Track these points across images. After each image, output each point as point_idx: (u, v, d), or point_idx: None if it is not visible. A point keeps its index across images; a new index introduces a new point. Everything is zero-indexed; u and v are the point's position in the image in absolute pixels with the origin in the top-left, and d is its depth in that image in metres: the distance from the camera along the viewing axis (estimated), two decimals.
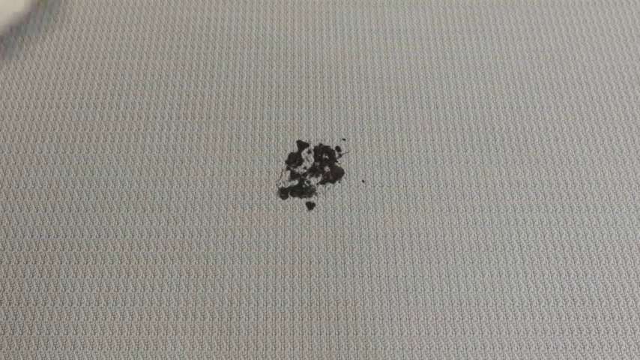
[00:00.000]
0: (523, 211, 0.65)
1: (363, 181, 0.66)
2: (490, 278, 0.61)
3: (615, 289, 0.61)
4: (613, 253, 0.63)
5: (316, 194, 0.65)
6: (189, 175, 0.66)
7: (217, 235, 0.63)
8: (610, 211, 0.65)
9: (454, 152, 0.68)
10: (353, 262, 0.62)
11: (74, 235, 0.63)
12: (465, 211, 0.65)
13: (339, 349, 0.58)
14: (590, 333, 0.59)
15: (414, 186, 0.66)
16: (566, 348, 0.58)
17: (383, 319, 0.59)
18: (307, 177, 0.66)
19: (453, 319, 0.59)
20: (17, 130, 0.68)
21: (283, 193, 0.65)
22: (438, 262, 0.62)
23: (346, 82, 0.72)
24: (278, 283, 0.61)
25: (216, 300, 0.60)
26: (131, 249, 0.62)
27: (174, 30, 0.75)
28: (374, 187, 0.66)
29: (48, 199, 0.64)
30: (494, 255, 0.63)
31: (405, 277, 0.61)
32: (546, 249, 0.63)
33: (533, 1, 0.79)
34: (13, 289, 0.60)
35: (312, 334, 0.59)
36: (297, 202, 0.65)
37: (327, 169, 0.67)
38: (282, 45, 0.75)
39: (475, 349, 0.58)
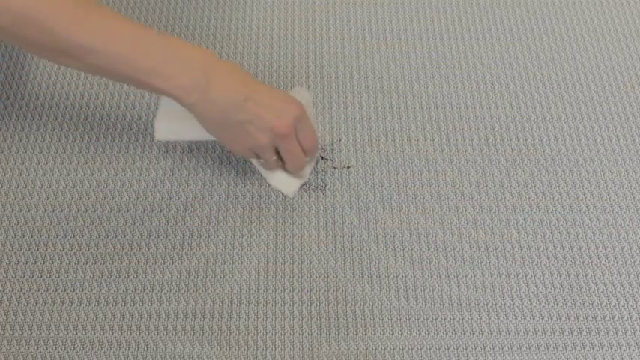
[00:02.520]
0: (523, 211, 0.65)
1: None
2: (490, 278, 0.61)
3: (615, 289, 0.61)
4: (613, 253, 0.63)
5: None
6: (189, 175, 0.66)
7: (217, 235, 0.63)
8: (610, 211, 0.65)
9: (454, 152, 0.68)
10: (353, 262, 0.62)
11: (74, 235, 0.63)
12: (465, 211, 0.65)
13: (339, 349, 0.58)
14: (590, 333, 0.59)
15: (414, 186, 0.66)
16: (566, 348, 0.58)
17: (383, 319, 0.59)
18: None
19: (453, 319, 0.59)
20: (17, 130, 0.68)
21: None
22: (438, 262, 0.62)
23: (346, 82, 0.72)
24: (278, 283, 0.61)
25: (216, 300, 0.60)
26: (131, 249, 0.62)
27: (174, 30, 0.75)
28: (374, 187, 0.66)
29: (48, 199, 0.64)
30: (494, 255, 0.63)
31: (405, 277, 0.61)
32: (546, 249, 0.63)
33: (533, 1, 0.79)
34: (13, 289, 0.60)
35: (312, 334, 0.59)
36: (297, 202, 0.65)
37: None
38: (282, 45, 0.75)
39: (475, 349, 0.58)
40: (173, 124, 0.61)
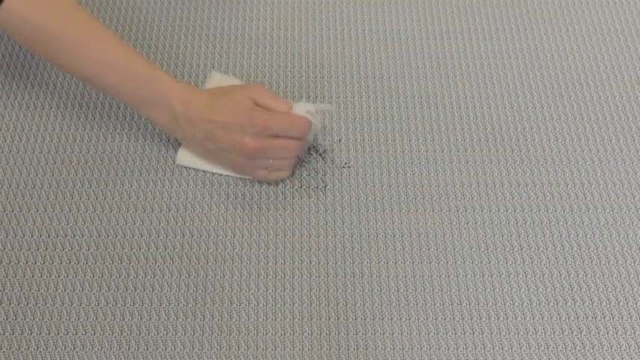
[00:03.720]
0: (523, 211, 0.65)
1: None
2: (490, 278, 0.61)
3: (615, 289, 0.61)
4: (613, 253, 0.63)
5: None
6: (189, 175, 0.66)
7: (217, 235, 0.63)
8: (610, 211, 0.65)
9: (454, 152, 0.68)
10: (353, 262, 0.62)
11: (74, 235, 0.63)
12: (465, 211, 0.65)
13: (339, 349, 0.58)
14: (590, 333, 0.59)
15: (414, 186, 0.66)
16: (566, 348, 0.58)
17: (383, 319, 0.59)
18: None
19: (453, 319, 0.59)
20: (17, 130, 0.68)
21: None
22: (438, 262, 0.62)
23: (346, 82, 0.72)
24: (278, 283, 0.61)
25: (216, 300, 0.60)
26: (131, 249, 0.62)
27: (174, 30, 0.75)
28: (374, 187, 0.66)
29: (48, 199, 0.64)
30: (494, 255, 0.63)
31: (405, 277, 0.61)
32: (546, 249, 0.63)
33: (533, 1, 0.79)
34: (13, 289, 0.60)
35: (312, 334, 0.59)
36: (297, 202, 0.65)
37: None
38: (282, 45, 0.75)
39: (475, 349, 0.58)
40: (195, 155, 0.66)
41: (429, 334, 0.59)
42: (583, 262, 0.62)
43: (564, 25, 0.77)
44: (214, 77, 0.70)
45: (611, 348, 0.58)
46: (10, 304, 0.59)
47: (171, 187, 0.65)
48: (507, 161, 0.68)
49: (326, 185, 0.66)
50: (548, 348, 0.58)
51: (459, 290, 0.61)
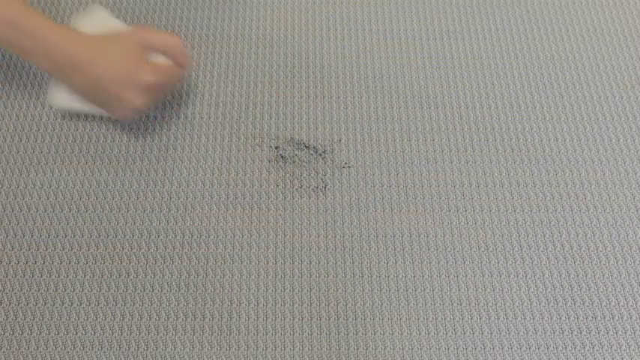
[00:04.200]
0: (523, 211, 0.65)
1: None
2: (490, 278, 0.61)
3: (615, 289, 0.61)
4: (613, 253, 0.63)
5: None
6: (189, 175, 0.66)
7: (217, 235, 0.63)
8: (610, 211, 0.65)
9: (454, 152, 0.68)
10: (353, 262, 0.62)
11: (74, 235, 0.63)
12: (465, 211, 0.65)
13: (339, 349, 0.58)
14: (590, 333, 0.59)
15: (414, 186, 0.66)
16: (566, 348, 0.58)
17: (383, 319, 0.59)
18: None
19: (453, 319, 0.59)
20: (17, 130, 0.68)
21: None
22: (438, 262, 0.62)
23: (346, 82, 0.72)
24: (278, 283, 0.61)
25: (216, 300, 0.60)
26: (131, 249, 0.62)
27: (174, 30, 0.75)
28: (374, 187, 0.66)
29: (48, 199, 0.64)
30: (494, 255, 0.63)
31: (405, 277, 0.61)
32: (546, 249, 0.63)
33: (533, 1, 0.79)
34: (13, 289, 0.60)
35: (312, 334, 0.59)
36: (297, 202, 0.65)
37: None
38: (282, 45, 0.75)
39: (475, 349, 0.58)
40: (69, 94, 0.65)
41: (429, 334, 0.59)
42: (583, 262, 0.62)
43: (564, 25, 0.77)
44: (97, 15, 0.69)
45: (611, 348, 0.58)
46: (10, 304, 0.59)
47: (171, 187, 0.65)
48: (507, 161, 0.68)
49: (326, 185, 0.66)
50: (548, 348, 0.58)
51: (459, 290, 0.61)
